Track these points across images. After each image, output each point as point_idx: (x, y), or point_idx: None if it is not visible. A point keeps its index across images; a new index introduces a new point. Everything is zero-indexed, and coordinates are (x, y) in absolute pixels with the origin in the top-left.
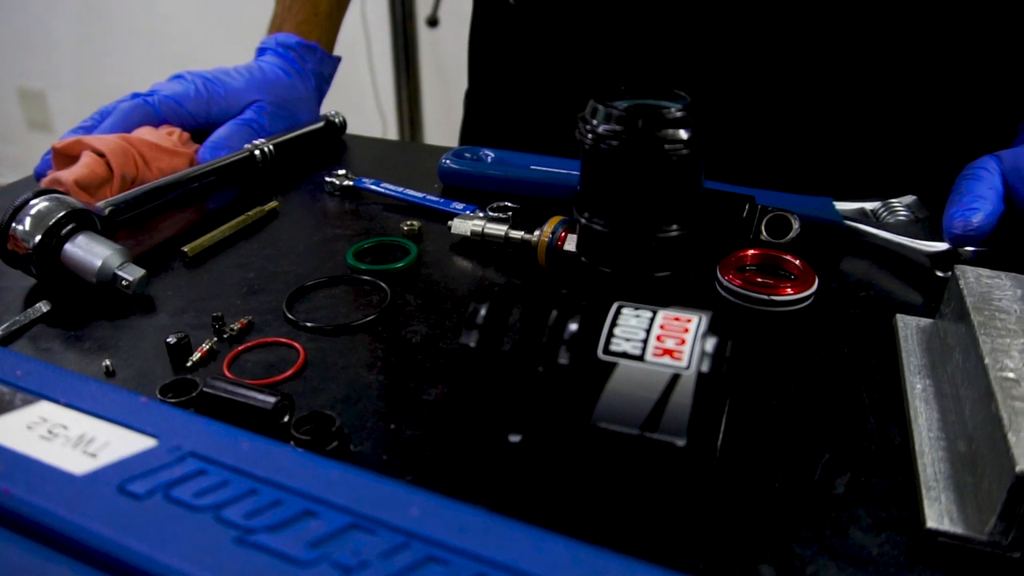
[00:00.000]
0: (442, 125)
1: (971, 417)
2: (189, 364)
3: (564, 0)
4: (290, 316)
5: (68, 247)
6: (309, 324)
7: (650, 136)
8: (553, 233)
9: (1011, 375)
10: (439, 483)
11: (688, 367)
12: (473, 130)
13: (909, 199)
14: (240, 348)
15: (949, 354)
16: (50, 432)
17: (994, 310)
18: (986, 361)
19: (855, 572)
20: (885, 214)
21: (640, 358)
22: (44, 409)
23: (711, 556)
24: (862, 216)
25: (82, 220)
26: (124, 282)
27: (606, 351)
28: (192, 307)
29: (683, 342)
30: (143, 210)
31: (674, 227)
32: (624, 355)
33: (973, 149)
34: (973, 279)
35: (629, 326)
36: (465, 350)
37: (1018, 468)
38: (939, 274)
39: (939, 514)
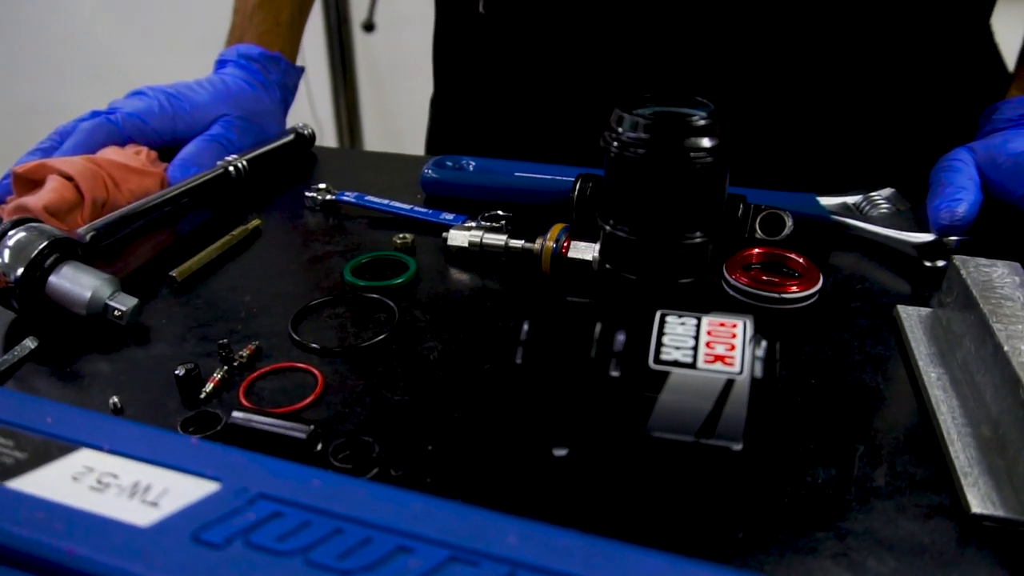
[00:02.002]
0: (381, 132)
1: (994, 403)
2: (203, 396)
3: (535, 8)
4: (298, 338)
5: (53, 279)
6: (319, 346)
7: (676, 144)
8: (557, 241)
9: None
10: (492, 503)
11: (741, 372)
12: (440, 136)
13: (888, 191)
14: (254, 375)
15: (957, 342)
16: (100, 482)
17: (1000, 298)
18: (1006, 348)
19: (913, 560)
20: (868, 207)
21: (692, 366)
22: (86, 457)
23: (770, 554)
24: (845, 210)
25: (64, 249)
26: (117, 312)
27: (657, 360)
28: (192, 335)
29: (733, 348)
30: (121, 235)
31: (698, 234)
32: (676, 363)
33: (941, 142)
34: (973, 268)
35: (676, 334)
36: (512, 367)
37: None
38: (927, 264)
39: (981, 499)
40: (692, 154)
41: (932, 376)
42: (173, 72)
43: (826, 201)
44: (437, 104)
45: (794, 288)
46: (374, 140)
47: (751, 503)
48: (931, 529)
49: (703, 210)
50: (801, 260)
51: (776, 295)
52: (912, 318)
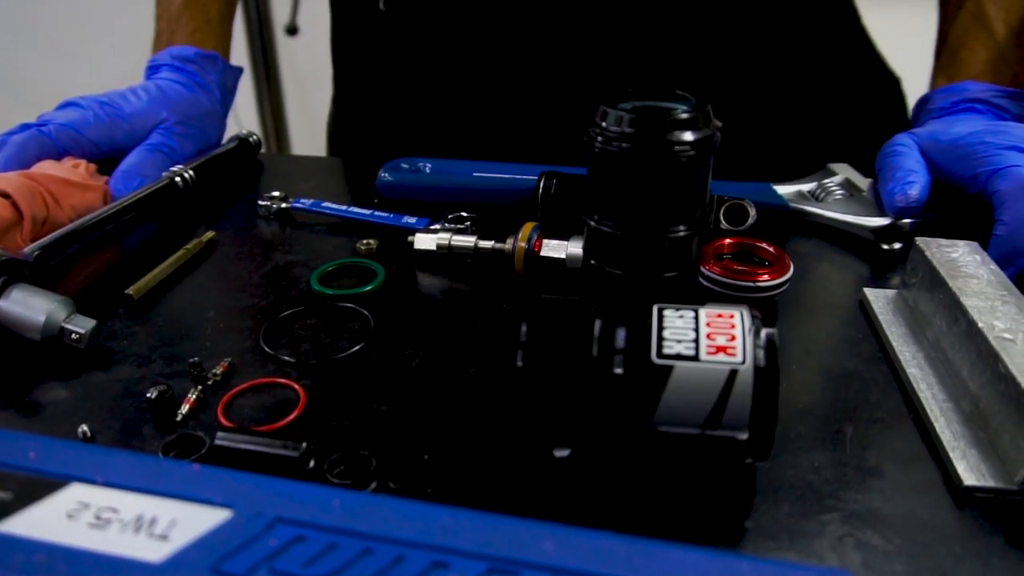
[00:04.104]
0: (308, 137)
1: (971, 379)
2: (179, 418)
3: (435, 5)
4: (272, 353)
5: (3, 303)
6: (295, 359)
7: (660, 138)
8: (529, 240)
9: (1007, 335)
10: (497, 508)
11: (744, 362)
12: (342, 136)
13: (840, 177)
14: (231, 393)
15: (927, 321)
16: (99, 518)
17: (966, 276)
18: (980, 325)
19: (916, 536)
20: (822, 194)
21: (695, 358)
22: (78, 493)
23: (780, 540)
24: (801, 198)
25: (10, 271)
26: (74, 335)
27: (660, 355)
28: (157, 355)
29: (733, 338)
30: (68, 254)
31: (682, 227)
32: (679, 357)
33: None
34: (936, 249)
35: (676, 327)
36: (512, 370)
37: None
38: (884, 247)
39: (971, 471)
40: (676, 148)
41: (907, 355)
42: (81, 85)
43: (782, 189)
44: (339, 103)
45: (766, 276)
46: (301, 145)
47: (756, 491)
48: (928, 504)
49: (687, 203)
50: (771, 249)
51: (751, 284)
52: (880, 300)
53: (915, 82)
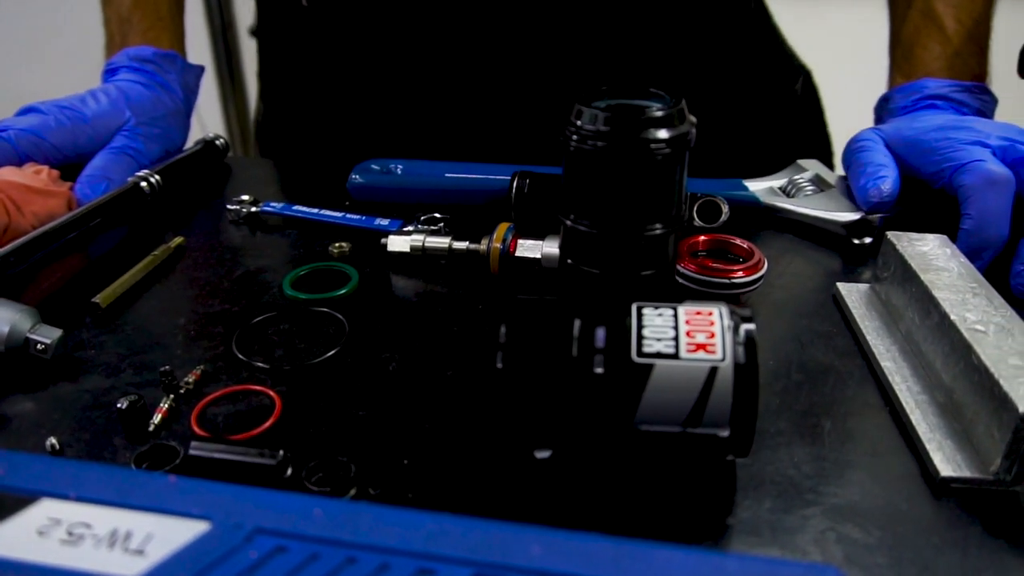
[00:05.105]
0: None
1: (944, 370)
2: (151, 428)
3: (357, 1)
4: (245, 359)
5: None
6: (269, 366)
7: (636, 136)
8: (504, 241)
9: (979, 327)
10: (479, 512)
11: (724, 359)
12: (269, 133)
13: (811, 173)
14: (204, 402)
15: (899, 314)
16: (71, 534)
17: (937, 269)
18: (952, 317)
19: (895, 528)
20: (793, 190)
21: (675, 356)
22: (49, 508)
23: (762, 536)
24: (772, 194)
25: None
26: (40, 346)
27: (640, 354)
28: (127, 364)
29: (713, 335)
30: (31, 262)
31: (658, 225)
32: (659, 355)
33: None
34: (907, 243)
35: (656, 326)
36: (491, 371)
37: (1022, 410)
38: (855, 241)
39: (947, 462)
40: (652, 145)
41: (881, 348)
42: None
43: (753, 186)
44: (266, 98)
45: (740, 273)
46: None
47: (737, 488)
48: (906, 496)
49: (664, 201)
50: (744, 245)
51: (726, 280)
52: (852, 294)
53: (824, 74)
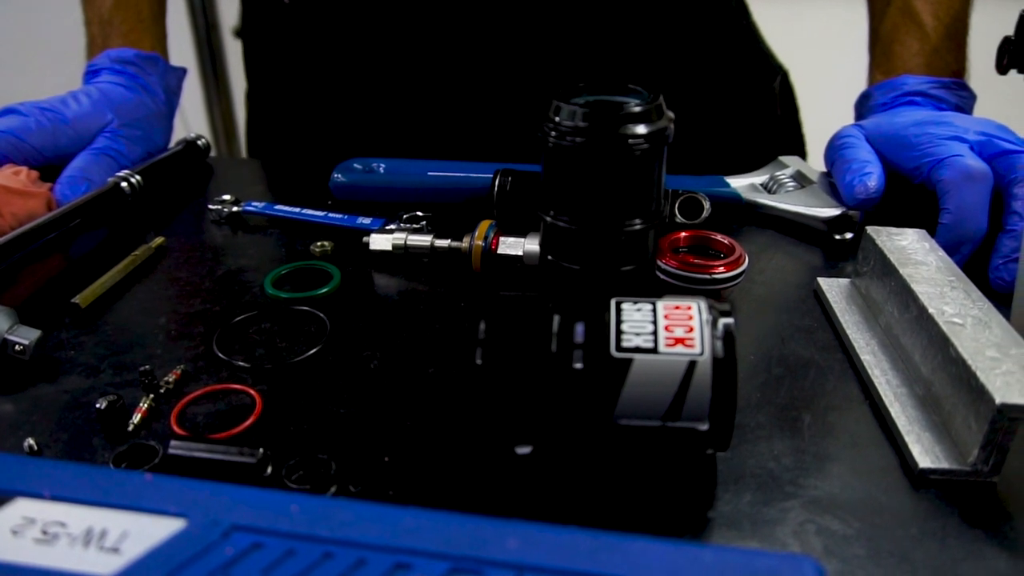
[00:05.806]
0: None
1: (923, 363)
2: (131, 428)
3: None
4: (225, 358)
5: None
6: (249, 365)
7: (614, 131)
8: (486, 238)
9: (957, 320)
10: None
11: (703, 353)
12: (258, 131)
13: (792, 170)
14: (184, 401)
15: (879, 308)
16: (46, 533)
17: (915, 264)
18: (931, 311)
19: (874, 519)
20: (774, 186)
21: (654, 351)
22: (24, 507)
23: (742, 529)
24: (753, 190)
25: None
26: (18, 347)
27: (619, 348)
28: (106, 365)
29: (691, 330)
30: (10, 262)
31: (638, 221)
32: (637, 350)
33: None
34: (886, 237)
35: (634, 321)
36: (471, 368)
37: (998, 401)
38: (836, 237)
39: (925, 454)
40: (630, 141)
41: (861, 342)
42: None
43: (734, 182)
44: (252, 98)
45: (721, 268)
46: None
47: (717, 481)
48: (885, 488)
49: (642, 197)
50: (726, 241)
51: (707, 276)
52: (833, 289)
53: (798, 74)
